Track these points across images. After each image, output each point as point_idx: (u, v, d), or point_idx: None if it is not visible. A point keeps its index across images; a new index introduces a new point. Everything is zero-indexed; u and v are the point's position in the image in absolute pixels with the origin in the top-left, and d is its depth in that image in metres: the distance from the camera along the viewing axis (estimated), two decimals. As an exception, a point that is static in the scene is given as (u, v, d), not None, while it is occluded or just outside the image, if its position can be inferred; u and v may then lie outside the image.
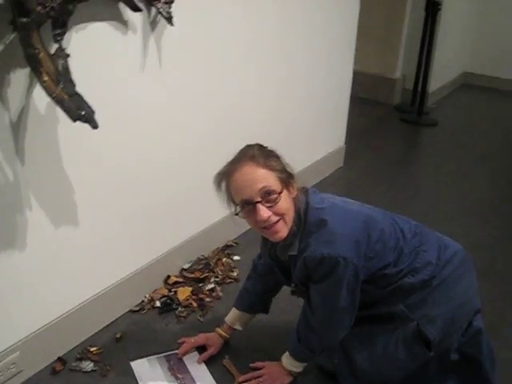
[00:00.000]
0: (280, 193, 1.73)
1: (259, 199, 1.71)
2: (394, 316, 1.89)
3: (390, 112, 5.50)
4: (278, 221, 1.74)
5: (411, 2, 5.39)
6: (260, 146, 1.81)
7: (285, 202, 1.75)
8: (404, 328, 1.87)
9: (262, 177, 1.72)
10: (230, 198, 1.80)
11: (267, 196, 1.71)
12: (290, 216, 1.78)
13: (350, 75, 3.84)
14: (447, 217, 3.40)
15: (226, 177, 1.78)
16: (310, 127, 3.51)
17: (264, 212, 1.71)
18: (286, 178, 1.78)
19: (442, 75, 5.86)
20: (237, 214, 1.79)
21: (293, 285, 1.99)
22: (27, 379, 2.05)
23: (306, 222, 1.80)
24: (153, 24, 2.11)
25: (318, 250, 1.75)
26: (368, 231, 1.80)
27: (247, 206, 1.74)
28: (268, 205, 1.72)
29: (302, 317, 1.96)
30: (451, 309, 1.87)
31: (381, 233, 1.83)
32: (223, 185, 1.80)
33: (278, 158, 1.80)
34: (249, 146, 1.81)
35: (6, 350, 1.94)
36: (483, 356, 1.96)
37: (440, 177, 4.05)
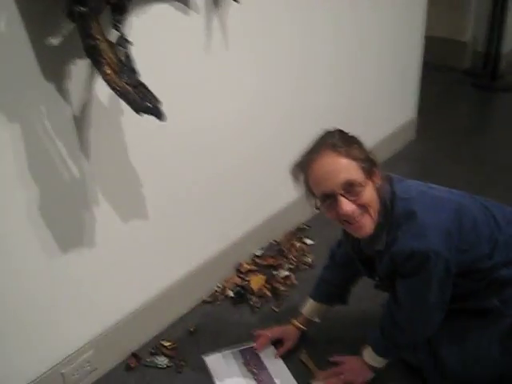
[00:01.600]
0: (364, 184, 1.59)
1: (341, 192, 1.56)
2: (488, 311, 1.75)
3: (460, 77, 5.23)
4: (362, 213, 1.60)
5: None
6: (340, 132, 1.66)
7: (369, 194, 1.61)
8: (499, 324, 1.73)
9: (344, 167, 1.57)
10: (309, 190, 1.66)
11: (350, 188, 1.57)
12: (375, 208, 1.64)
13: (422, 43, 3.63)
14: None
15: (305, 167, 1.64)
16: (381, 98, 3.34)
17: (347, 205, 1.57)
18: (370, 166, 1.62)
19: (515, 35, 5.55)
20: (317, 208, 1.66)
21: (377, 278, 1.86)
22: (102, 376, 2.02)
23: (393, 213, 1.65)
24: (216, 2, 1.98)
25: (408, 244, 1.61)
26: (460, 221, 1.65)
27: (328, 200, 1.60)
28: (351, 198, 1.57)
29: (386, 312, 1.83)
30: None
31: (474, 222, 1.68)
32: (301, 176, 1.66)
33: (360, 145, 1.65)
34: (328, 133, 1.66)
35: (79, 348, 1.92)
36: None
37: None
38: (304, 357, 2.05)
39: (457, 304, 1.77)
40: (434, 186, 1.79)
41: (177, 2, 1.83)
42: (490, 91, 4.92)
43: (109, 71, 1.41)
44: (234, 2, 1.97)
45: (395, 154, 3.63)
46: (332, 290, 2.06)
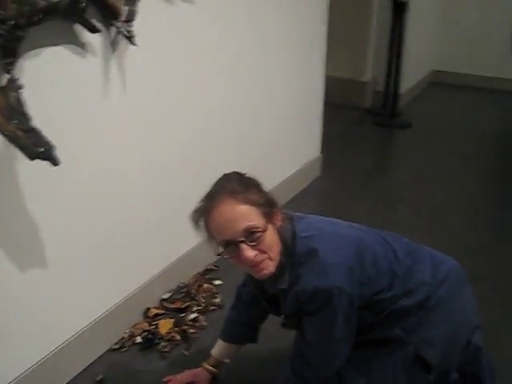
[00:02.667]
0: (264, 229, 1.59)
1: (242, 239, 1.56)
2: (391, 340, 1.77)
3: (362, 115, 5.43)
4: (263, 257, 1.60)
5: (377, 4, 5.34)
6: (238, 176, 1.66)
7: (270, 237, 1.61)
8: (402, 352, 1.76)
9: (244, 215, 1.57)
10: (211, 236, 1.65)
11: (251, 235, 1.57)
12: (277, 250, 1.64)
13: (323, 81, 3.74)
14: (431, 224, 3.32)
15: (204, 214, 1.63)
16: (285, 138, 3.40)
17: (249, 252, 1.57)
18: (269, 209, 1.63)
19: (411, 75, 5.82)
20: (219, 255, 1.66)
21: (283, 316, 1.85)
22: None
23: (294, 252, 1.66)
24: (114, 45, 1.97)
25: (311, 283, 1.62)
26: (360, 256, 1.68)
27: (230, 247, 1.60)
28: (252, 244, 1.58)
29: (295, 350, 1.82)
30: (450, 329, 1.76)
31: (373, 256, 1.71)
32: (201, 222, 1.65)
33: (258, 187, 1.66)
34: (226, 177, 1.66)
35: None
36: (484, 373, 1.87)
37: (420, 181, 3.97)
38: None
39: (362, 336, 1.78)
40: (335, 220, 1.82)
41: (72, 45, 1.80)
42: (389, 128, 5.12)
43: (-3, 116, 1.37)
44: (132, 46, 1.97)
45: (301, 191, 3.70)
46: (240, 330, 2.04)
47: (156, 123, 2.30)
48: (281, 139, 3.36)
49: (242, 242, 1.57)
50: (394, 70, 5.21)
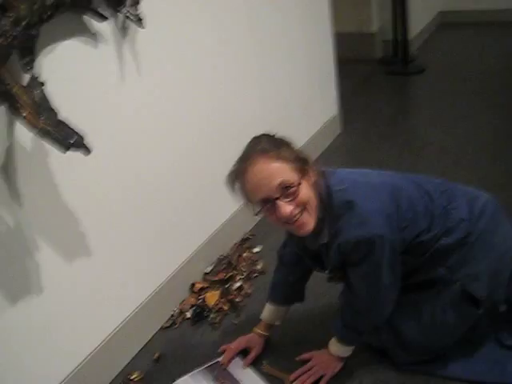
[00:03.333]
0: (298, 184, 1.61)
1: (278, 195, 1.59)
2: (437, 280, 1.81)
3: (375, 67, 5.39)
4: (301, 212, 1.63)
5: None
6: (268, 137, 1.68)
7: (305, 192, 1.63)
8: (449, 291, 1.79)
9: (277, 171, 1.59)
10: (247, 198, 1.68)
11: (286, 190, 1.59)
12: (313, 204, 1.67)
13: (332, 38, 3.73)
14: (457, 162, 3.31)
15: (239, 177, 1.66)
16: (301, 100, 3.41)
17: (286, 208, 1.60)
18: (302, 165, 1.65)
19: (419, 20, 5.76)
20: (257, 215, 1.68)
21: (327, 271, 1.89)
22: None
23: (331, 206, 1.69)
24: (123, 30, 1.99)
25: (352, 234, 1.65)
26: (396, 202, 1.70)
27: (267, 204, 1.62)
28: (288, 199, 1.60)
29: (344, 302, 1.87)
30: (493, 262, 1.79)
31: (409, 200, 1.73)
32: (236, 186, 1.68)
33: (289, 145, 1.68)
34: (256, 139, 1.68)
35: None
36: None
37: (440, 122, 3.94)
38: (266, 367, 2.04)
39: (407, 280, 1.82)
40: (365, 171, 1.83)
41: (83, 37, 1.83)
42: (403, 76, 5.08)
43: (25, 114, 1.41)
44: (141, 29, 1.99)
45: (325, 150, 3.72)
46: (286, 291, 2.08)
47: (175, 99, 2.33)
48: (298, 101, 3.37)
49: (278, 198, 1.59)
50: (401, 17, 5.15)
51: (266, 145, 1.63)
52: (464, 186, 1.93)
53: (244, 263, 2.62)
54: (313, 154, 3.51)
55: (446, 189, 1.85)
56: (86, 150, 1.52)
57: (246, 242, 2.81)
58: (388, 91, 4.88)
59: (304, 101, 3.45)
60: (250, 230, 2.88)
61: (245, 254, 2.69)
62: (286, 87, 3.22)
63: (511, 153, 3.37)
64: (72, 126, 1.51)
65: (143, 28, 1.99)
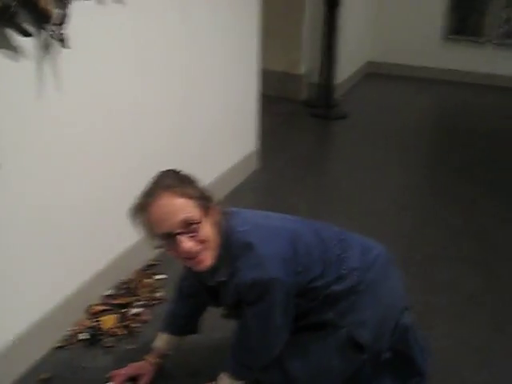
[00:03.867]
0: (201, 221, 1.67)
1: (180, 231, 1.64)
2: (325, 324, 1.88)
3: (299, 108, 5.53)
4: (201, 249, 1.68)
5: (309, -1, 5.43)
6: (174, 172, 1.74)
7: (207, 229, 1.69)
8: (336, 334, 1.86)
9: (181, 207, 1.64)
10: (149, 231, 1.71)
11: (188, 227, 1.64)
12: (214, 242, 1.72)
13: (258, 75, 3.81)
14: (367, 210, 3.44)
15: (142, 210, 1.69)
16: (220, 133, 3.45)
17: (186, 243, 1.65)
18: (205, 203, 1.71)
19: (346, 67, 5.96)
20: (157, 248, 1.72)
21: (223, 307, 1.93)
22: None
23: (230, 245, 1.74)
24: (46, 47, 1.99)
25: (248, 275, 1.71)
26: (294, 247, 1.78)
27: (168, 239, 1.66)
28: (190, 235, 1.65)
29: (236, 339, 1.90)
30: (380, 311, 1.88)
31: (306, 246, 1.81)
32: (139, 219, 1.71)
33: (194, 182, 1.74)
34: (162, 174, 1.73)
35: None
36: (413, 351, 1.99)
37: (356, 170, 4.09)
38: None
39: (298, 322, 1.88)
40: (269, 214, 1.91)
41: (4, 49, 1.82)
42: (325, 120, 5.23)
43: None
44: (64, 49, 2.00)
45: (240, 185, 3.76)
46: (181, 322, 2.10)
47: (92, 123, 2.33)
48: (216, 134, 3.41)
49: (180, 233, 1.64)
50: (328, 62, 5.31)
51: (171, 181, 1.68)
52: (361, 236, 2.03)
53: (145, 289, 2.62)
54: (228, 187, 3.57)
55: (343, 238, 1.94)
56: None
57: (149, 268, 2.80)
58: (309, 133, 5.01)
59: (223, 133, 3.49)
60: (156, 257, 2.88)
61: (147, 281, 2.68)
62: (207, 118, 3.26)
63: (417, 205, 3.53)
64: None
65: (67, 48, 2.00)
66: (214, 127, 3.36)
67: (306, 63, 5.69)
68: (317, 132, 5.07)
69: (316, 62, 5.55)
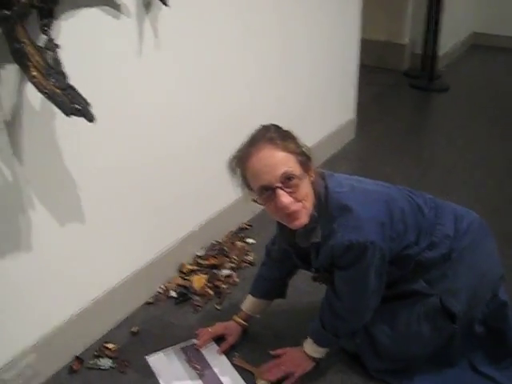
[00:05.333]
0: (301, 177, 1.63)
1: (279, 184, 1.60)
2: (416, 292, 1.84)
3: (399, 79, 5.37)
4: (298, 206, 1.64)
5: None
6: (276, 127, 1.70)
7: (305, 187, 1.65)
8: (426, 302, 1.82)
9: (282, 160, 1.60)
10: (246, 184, 1.69)
11: (288, 181, 1.60)
12: (311, 201, 1.68)
13: (358, 44, 3.73)
14: (464, 183, 3.32)
15: (242, 161, 1.66)
16: (318, 100, 3.41)
17: (285, 198, 1.60)
18: (305, 161, 1.67)
19: (451, 37, 5.72)
20: (255, 201, 1.69)
21: (313, 270, 1.91)
22: (45, 381, 2.01)
23: (327, 207, 1.70)
24: (147, 5, 2.01)
25: (346, 237, 1.66)
26: (390, 212, 1.72)
27: (266, 192, 1.63)
28: (289, 190, 1.61)
29: (326, 303, 1.88)
30: (473, 279, 1.82)
31: (401, 212, 1.76)
32: (238, 169, 1.69)
33: (295, 139, 1.69)
34: (264, 127, 1.70)
35: (21, 353, 1.90)
36: (509, 329, 1.91)
37: (454, 143, 3.93)
38: (237, 360, 2.06)
39: (388, 290, 1.84)
40: (361, 179, 1.85)
41: (107, 7, 1.85)
42: (427, 92, 5.06)
43: (35, 73, 1.43)
44: (164, 6, 2.01)
45: (335, 153, 3.71)
46: (270, 285, 2.10)
47: (191, 84, 2.35)
48: (315, 101, 3.37)
49: (279, 187, 1.60)
50: (433, 32, 5.12)
51: (274, 134, 1.65)
52: (454, 204, 1.96)
53: (236, 252, 2.64)
54: (324, 155, 3.54)
55: (437, 205, 1.88)
56: (90, 117, 1.54)
57: (241, 232, 2.83)
58: (408, 104, 4.88)
59: (322, 100, 3.45)
60: (248, 221, 2.90)
61: (238, 243, 2.71)
62: (306, 85, 3.23)
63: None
64: (79, 93, 1.54)
65: (166, 5, 2.00)
66: (313, 94, 3.33)
67: (409, 33, 5.51)
68: (416, 103, 4.92)
69: (419, 32, 5.37)
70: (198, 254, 2.62)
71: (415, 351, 1.89)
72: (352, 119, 3.93)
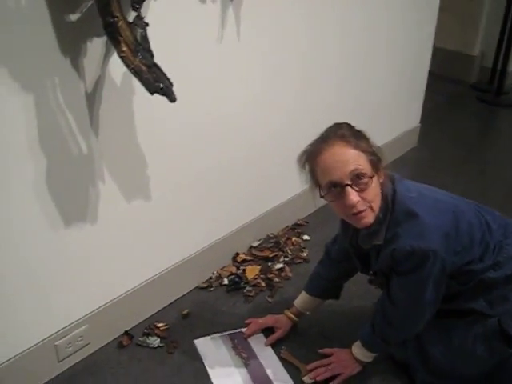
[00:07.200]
0: (371, 176, 1.61)
1: (349, 182, 1.58)
2: (475, 311, 1.79)
3: (466, 90, 5.26)
4: (366, 206, 1.62)
5: (495, -25, 5.13)
6: (349, 125, 1.69)
7: (375, 188, 1.63)
8: (484, 323, 1.77)
9: (354, 158, 1.59)
10: (315, 179, 1.68)
11: (357, 179, 1.59)
12: (378, 203, 1.66)
13: (430, 53, 3.67)
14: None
15: (313, 156, 1.65)
16: (388, 105, 3.37)
17: (354, 196, 1.59)
18: (376, 161, 1.65)
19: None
20: (322, 197, 1.68)
21: (371, 273, 1.89)
22: (95, 351, 2.05)
23: (393, 210, 1.68)
24: (231, -7, 2.02)
25: (409, 242, 1.63)
26: (457, 224, 1.69)
27: (335, 189, 1.62)
28: (358, 189, 1.59)
29: (379, 309, 1.86)
30: None
31: (468, 225, 1.72)
32: (308, 165, 1.69)
33: (367, 139, 1.68)
34: (338, 125, 1.69)
35: (74, 322, 1.94)
36: None
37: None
38: (284, 354, 2.06)
39: (445, 305, 1.80)
40: (431, 187, 1.82)
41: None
42: (494, 106, 4.95)
43: (125, 49, 1.44)
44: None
45: (396, 160, 3.66)
46: (325, 285, 2.09)
47: (267, 72, 2.35)
48: (385, 105, 3.34)
49: (349, 185, 1.59)
50: (505, 47, 5.01)
51: (347, 132, 1.64)
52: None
53: (291, 247, 2.64)
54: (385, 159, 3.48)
55: (506, 223, 1.83)
56: (172, 97, 1.55)
57: (297, 228, 2.82)
58: (473, 117, 4.77)
59: (391, 106, 3.42)
60: (305, 217, 2.89)
61: (294, 239, 2.70)
62: (380, 88, 3.22)
63: None
64: (164, 72, 1.55)
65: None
66: (384, 99, 3.30)
67: (480, 45, 5.39)
68: (482, 117, 4.81)
69: (491, 45, 5.25)
70: (253, 244, 2.62)
71: (467, 370, 1.84)
72: (416, 126, 3.87)
